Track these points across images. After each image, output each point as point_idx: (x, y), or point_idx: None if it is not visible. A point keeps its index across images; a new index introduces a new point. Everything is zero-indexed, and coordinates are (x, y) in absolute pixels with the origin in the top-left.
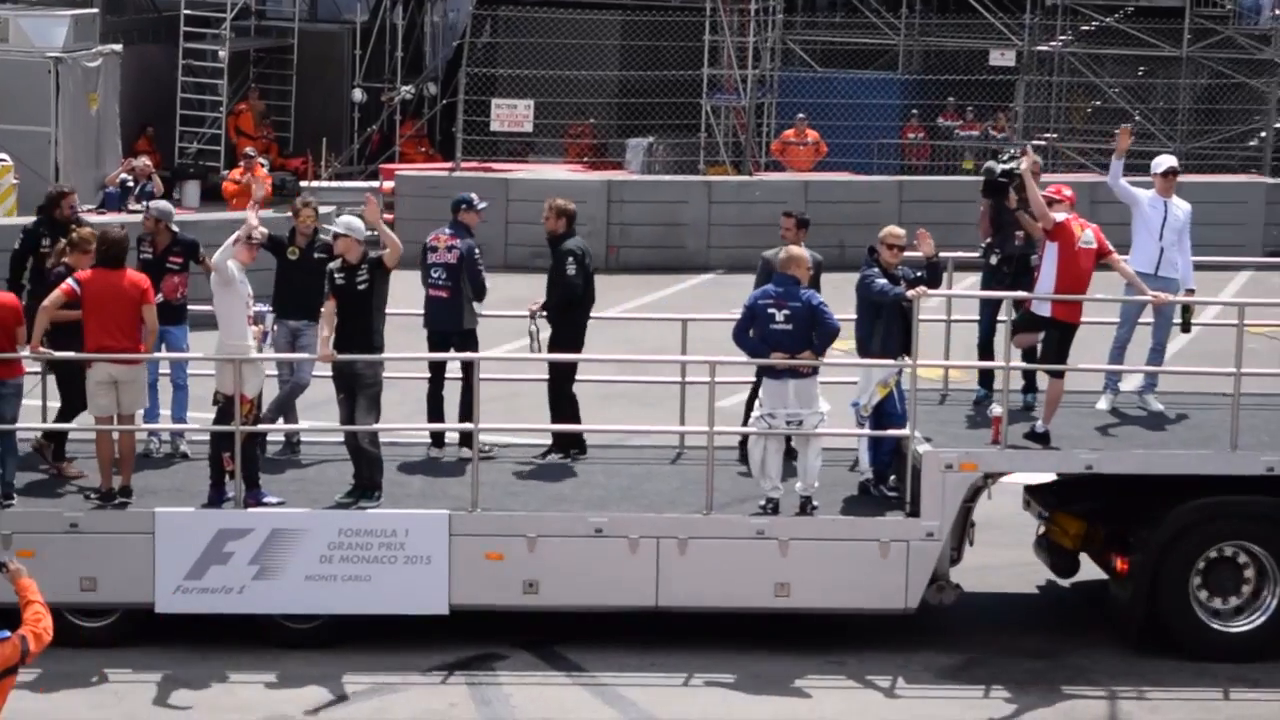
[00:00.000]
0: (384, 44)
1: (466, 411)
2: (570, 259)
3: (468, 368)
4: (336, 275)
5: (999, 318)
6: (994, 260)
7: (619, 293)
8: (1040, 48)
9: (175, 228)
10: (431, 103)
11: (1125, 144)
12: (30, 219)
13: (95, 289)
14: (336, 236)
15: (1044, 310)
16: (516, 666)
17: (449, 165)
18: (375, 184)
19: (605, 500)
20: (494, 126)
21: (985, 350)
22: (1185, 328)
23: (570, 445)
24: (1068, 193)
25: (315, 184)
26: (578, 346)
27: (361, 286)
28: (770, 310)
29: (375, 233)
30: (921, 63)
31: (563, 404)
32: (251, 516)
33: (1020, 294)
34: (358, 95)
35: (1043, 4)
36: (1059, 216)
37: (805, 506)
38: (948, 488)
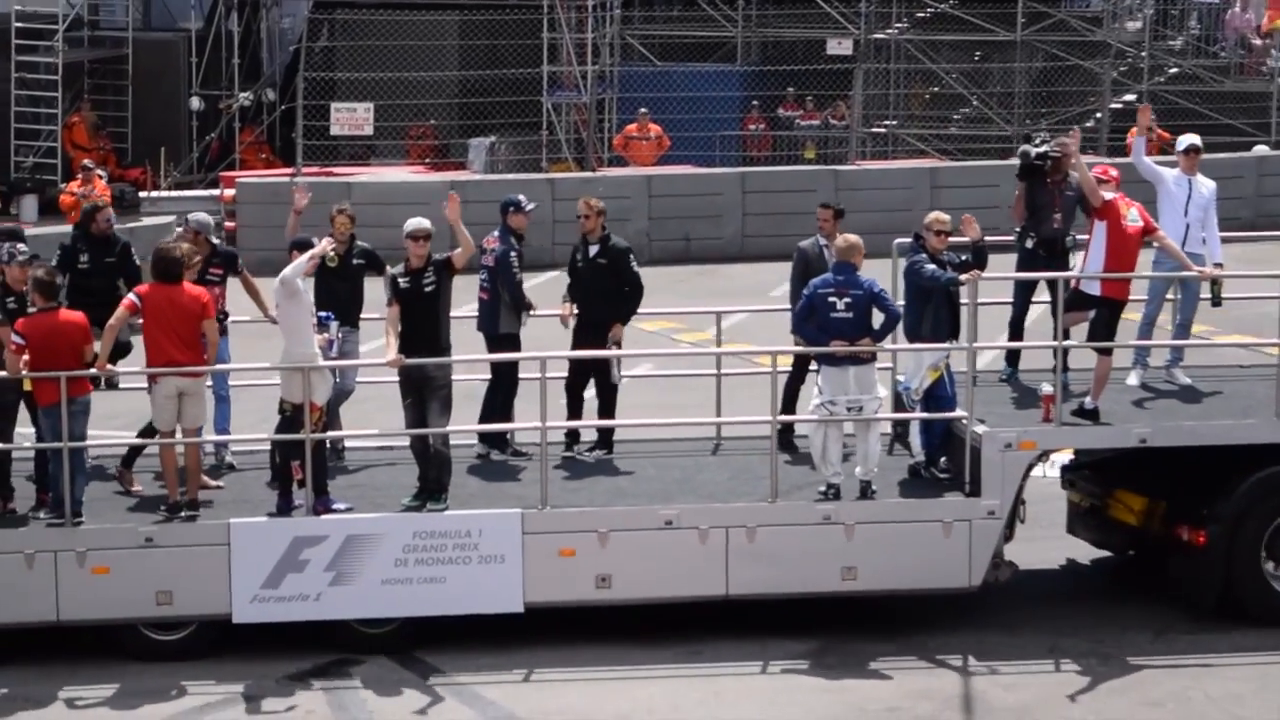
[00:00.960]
0: (220, 51)
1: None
2: (631, 255)
3: (500, 369)
4: (400, 280)
5: (1033, 299)
6: (1029, 244)
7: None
8: (877, 36)
9: (215, 240)
10: (270, 109)
11: (1145, 121)
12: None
13: (154, 304)
14: (414, 239)
15: (1093, 289)
16: (373, 671)
17: (290, 171)
18: (216, 191)
19: (666, 493)
20: (334, 130)
21: (1016, 331)
22: (1216, 302)
23: (609, 441)
24: (1113, 173)
25: (155, 194)
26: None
27: (429, 289)
28: (831, 299)
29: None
30: (760, 54)
31: (611, 398)
32: (326, 524)
33: (1070, 274)
34: (195, 103)
35: None
36: (1106, 195)
37: (866, 491)
38: (1007, 467)
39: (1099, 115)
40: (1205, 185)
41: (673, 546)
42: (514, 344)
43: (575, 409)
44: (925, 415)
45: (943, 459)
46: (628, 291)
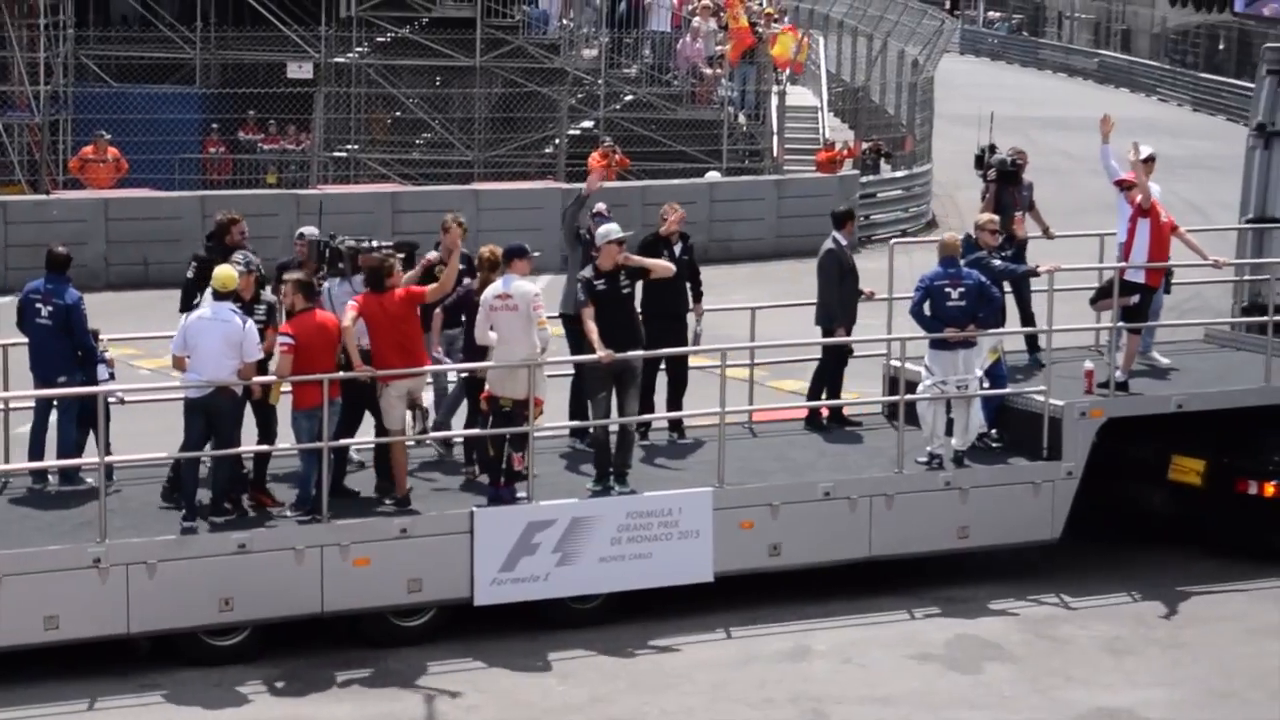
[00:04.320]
0: None
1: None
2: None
3: None
4: (596, 283)
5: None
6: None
7: None
8: (338, 60)
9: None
10: None
11: (1108, 129)
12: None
13: (369, 312)
14: (601, 249)
15: (1138, 277)
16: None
17: None
18: None
19: (802, 468)
20: None
21: (1027, 317)
22: (1167, 289)
23: (681, 427)
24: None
25: None
26: None
27: (625, 291)
28: (946, 289)
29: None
30: (220, 76)
31: (684, 385)
32: (554, 508)
33: (1123, 264)
34: None
35: (338, 16)
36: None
37: (961, 459)
38: (1081, 432)
39: (557, 141)
40: (1154, 190)
41: (829, 515)
42: None
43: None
44: (1008, 391)
45: (993, 430)
46: (698, 278)
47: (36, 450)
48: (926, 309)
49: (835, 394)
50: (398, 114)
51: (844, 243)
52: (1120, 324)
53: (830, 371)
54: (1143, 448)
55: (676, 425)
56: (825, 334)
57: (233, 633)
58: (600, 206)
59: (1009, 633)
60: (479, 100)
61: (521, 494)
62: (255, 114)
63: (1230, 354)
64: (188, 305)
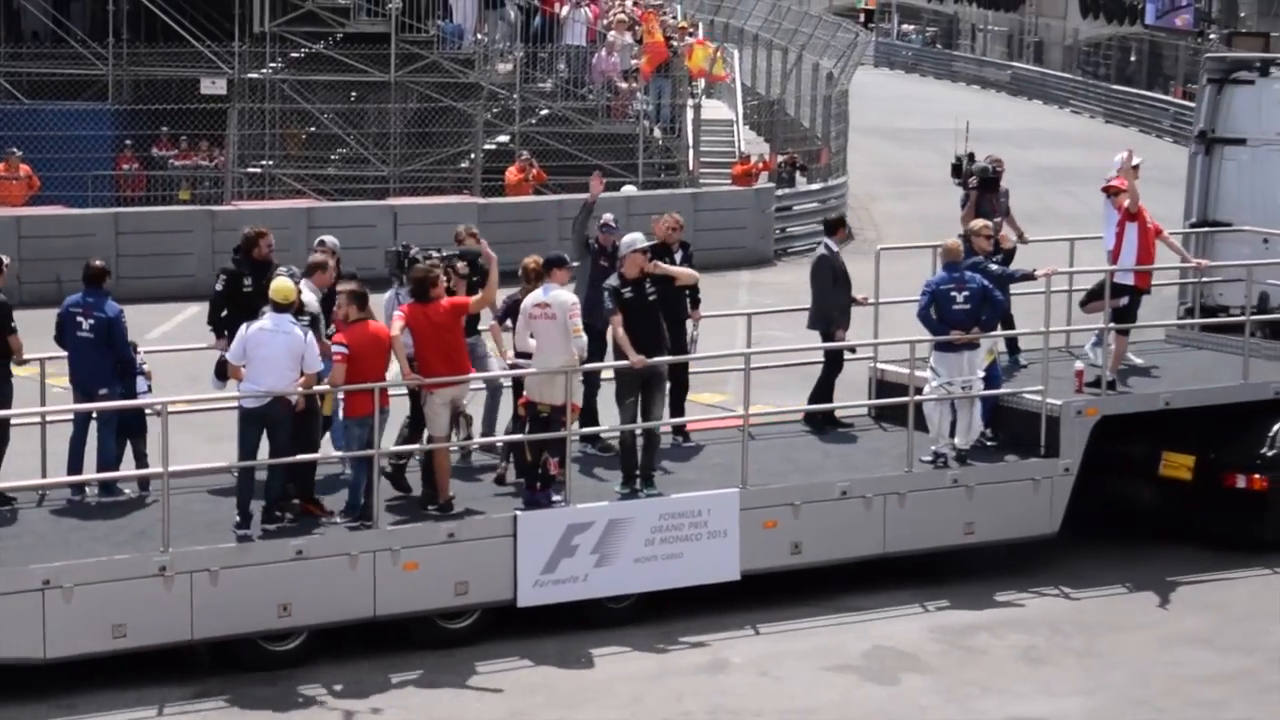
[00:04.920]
0: None
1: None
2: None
3: None
4: (624, 291)
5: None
6: None
7: None
8: (251, 75)
9: None
10: None
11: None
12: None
13: (414, 321)
14: (623, 259)
15: (1127, 279)
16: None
17: None
18: None
19: (802, 470)
20: None
21: (1007, 319)
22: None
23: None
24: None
25: None
26: None
27: (652, 298)
28: (952, 293)
29: None
30: (133, 92)
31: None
32: (592, 510)
33: (1114, 268)
34: None
35: (251, 31)
36: (1126, 203)
37: (964, 458)
38: (1076, 430)
39: (473, 156)
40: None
41: (845, 513)
42: None
43: None
44: (1009, 391)
45: (987, 429)
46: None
47: (76, 461)
48: (932, 313)
49: (828, 396)
50: (313, 129)
51: (835, 249)
52: (1114, 325)
53: (829, 374)
54: (1133, 445)
55: (680, 429)
56: (824, 338)
57: (289, 638)
58: (607, 217)
59: (925, 643)
60: (394, 115)
61: (556, 497)
62: (169, 130)
63: (1193, 353)
64: (216, 318)
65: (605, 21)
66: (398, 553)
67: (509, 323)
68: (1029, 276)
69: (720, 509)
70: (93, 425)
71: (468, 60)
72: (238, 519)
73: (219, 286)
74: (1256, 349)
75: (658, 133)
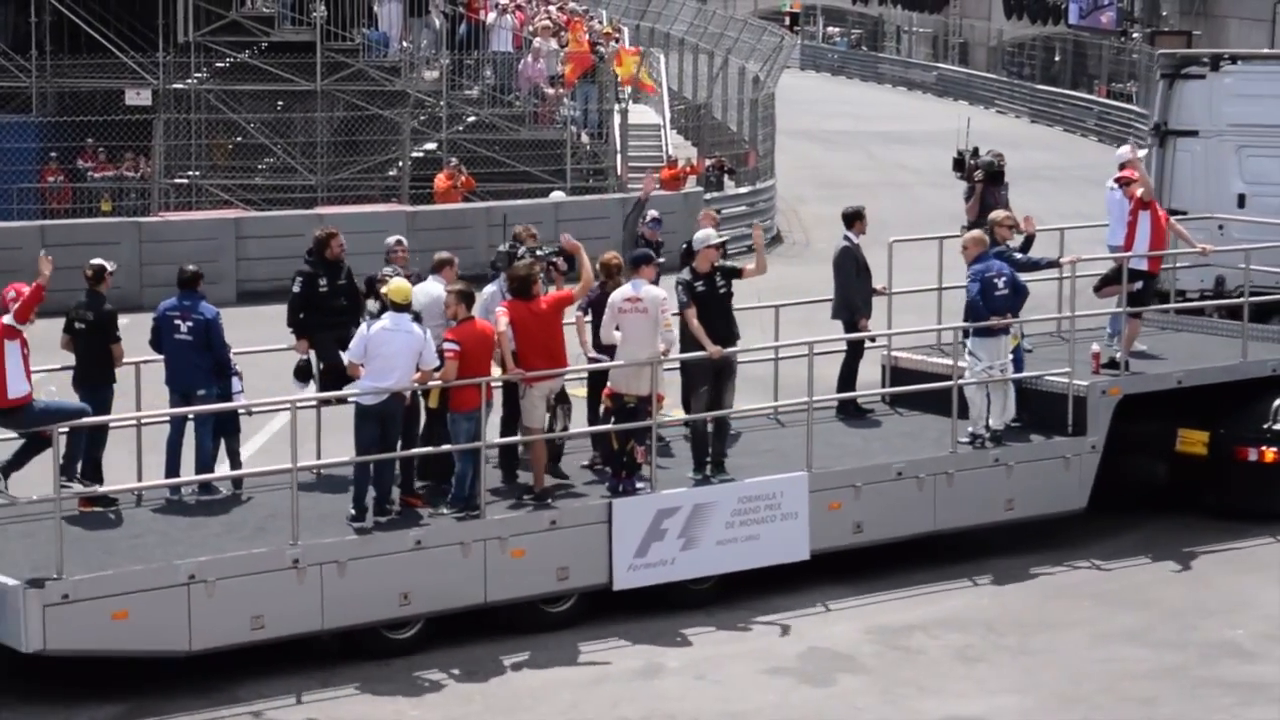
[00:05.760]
0: None
1: None
2: None
3: None
4: (696, 285)
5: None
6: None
7: None
8: (177, 86)
9: None
10: None
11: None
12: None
13: (517, 318)
14: (694, 252)
15: (1140, 265)
16: None
17: None
18: None
19: (849, 453)
20: None
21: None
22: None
23: None
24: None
25: None
26: None
27: (723, 291)
28: (995, 280)
29: None
30: (57, 104)
31: None
32: (679, 495)
33: (1131, 254)
34: None
35: (175, 42)
36: (1139, 192)
37: (999, 438)
38: (1101, 409)
39: (401, 163)
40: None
41: (900, 493)
42: None
43: None
44: (1040, 374)
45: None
46: None
47: (173, 462)
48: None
49: (851, 382)
50: (239, 139)
51: (855, 240)
52: (1131, 309)
53: (854, 361)
54: (1146, 424)
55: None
56: (847, 326)
57: (406, 626)
58: (653, 213)
59: (861, 644)
60: (321, 124)
61: (640, 485)
62: (94, 141)
63: (1175, 334)
64: (296, 320)
65: (531, 28)
66: (506, 541)
67: (587, 316)
68: (1054, 264)
69: (792, 492)
70: (189, 425)
71: (394, 68)
72: (353, 512)
73: (296, 289)
74: (1218, 328)
75: (585, 138)
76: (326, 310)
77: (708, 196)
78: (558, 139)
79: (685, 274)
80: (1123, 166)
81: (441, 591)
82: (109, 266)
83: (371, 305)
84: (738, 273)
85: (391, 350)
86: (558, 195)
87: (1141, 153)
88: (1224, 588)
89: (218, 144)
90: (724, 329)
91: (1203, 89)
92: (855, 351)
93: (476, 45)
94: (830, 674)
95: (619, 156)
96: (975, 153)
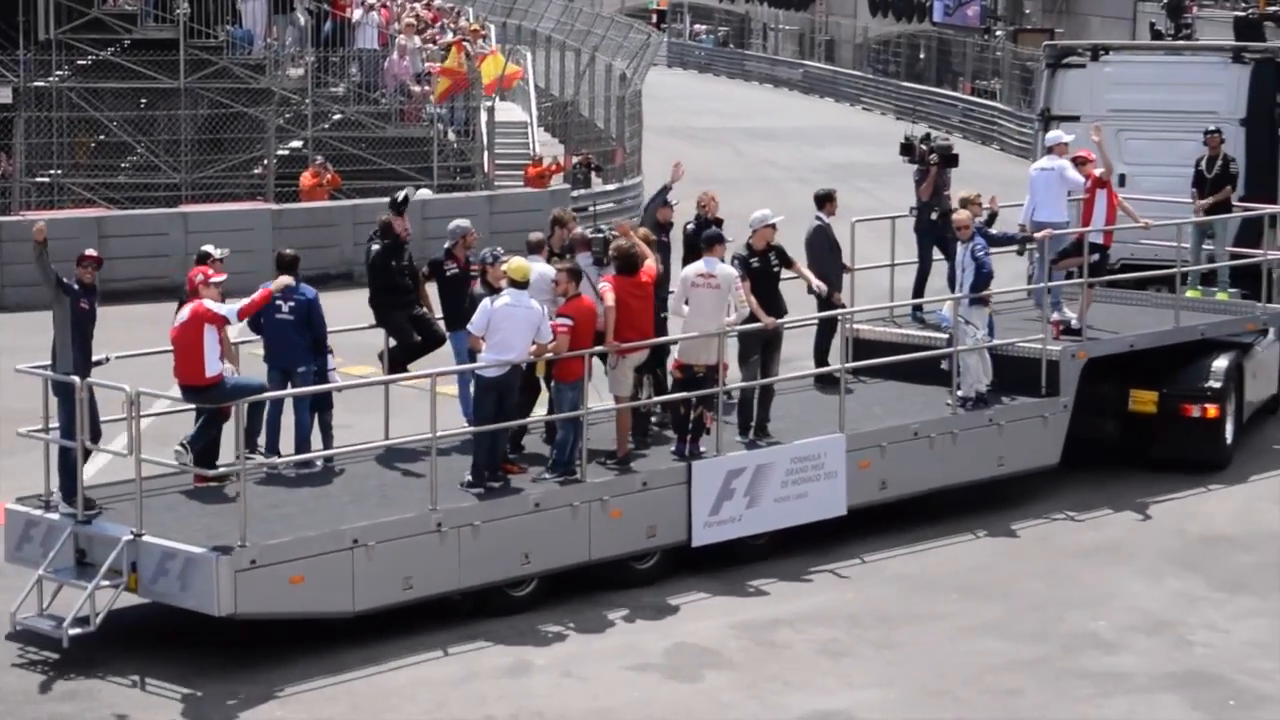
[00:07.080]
0: None
1: None
2: None
3: None
4: (752, 261)
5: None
6: (934, 216)
7: None
8: (38, 83)
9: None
10: None
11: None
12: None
13: (620, 293)
14: (754, 231)
15: (1097, 239)
16: None
17: None
18: None
19: (854, 417)
20: None
21: (921, 283)
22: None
23: None
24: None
25: None
26: None
27: (775, 269)
28: (986, 258)
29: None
30: None
31: None
32: (744, 457)
33: (1089, 229)
34: None
35: (37, 39)
36: (1098, 172)
37: (982, 399)
38: (1071, 371)
39: (266, 161)
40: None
41: (916, 451)
42: None
43: None
44: (1018, 340)
45: None
46: None
47: (273, 436)
48: None
49: (825, 355)
50: (102, 138)
51: (826, 220)
52: (1094, 279)
53: (827, 335)
54: (1102, 385)
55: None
56: (820, 302)
57: (525, 584)
58: (669, 196)
59: (727, 639)
60: (185, 122)
61: (704, 449)
62: None
63: (1102, 306)
64: (377, 289)
65: (396, 25)
66: (606, 502)
67: None
68: (1028, 239)
69: (833, 452)
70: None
71: (258, 66)
72: (470, 479)
73: (376, 252)
74: (1131, 299)
75: (452, 136)
76: (397, 289)
77: (575, 194)
78: (424, 136)
79: (743, 250)
80: (1050, 149)
81: (555, 550)
82: (216, 254)
83: (477, 289)
84: (790, 261)
85: (513, 325)
86: (424, 193)
87: (1069, 137)
88: (1088, 580)
89: (80, 142)
90: (775, 303)
91: (1084, 77)
92: (826, 327)
93: (342, 42)
94: (696, 670)
95: (486, 154)
96: (927, 138)
